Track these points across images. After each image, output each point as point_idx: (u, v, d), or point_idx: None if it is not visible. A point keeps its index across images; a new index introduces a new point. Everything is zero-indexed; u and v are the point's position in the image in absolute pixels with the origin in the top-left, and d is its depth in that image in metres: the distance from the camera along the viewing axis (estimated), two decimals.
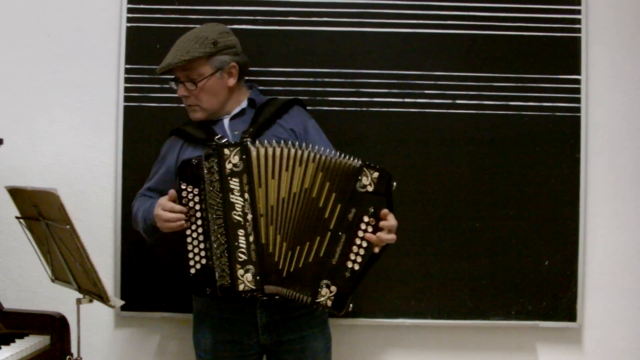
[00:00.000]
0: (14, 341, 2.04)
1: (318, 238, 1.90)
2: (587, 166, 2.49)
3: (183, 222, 1.94)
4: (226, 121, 2.12)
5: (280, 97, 2.24)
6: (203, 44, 2.03)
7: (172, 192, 1.95)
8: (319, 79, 2.46)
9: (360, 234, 1.88)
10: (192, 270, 1.94)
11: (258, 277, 1.88)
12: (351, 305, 1.91)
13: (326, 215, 1.90)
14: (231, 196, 1.89)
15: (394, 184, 1.91)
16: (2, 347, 1.98)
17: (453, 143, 2.47)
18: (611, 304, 2.55)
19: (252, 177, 1.90)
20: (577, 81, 2.48)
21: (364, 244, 1.88)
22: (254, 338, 2.06)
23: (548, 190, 2.48)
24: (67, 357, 2.05)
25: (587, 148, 2.49)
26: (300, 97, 2.30)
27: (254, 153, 1.91)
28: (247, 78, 2.26)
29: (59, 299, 2.39)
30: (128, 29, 2.47)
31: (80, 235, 1.80)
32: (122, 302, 2.22)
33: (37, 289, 2.51)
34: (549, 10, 2.47)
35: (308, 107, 2.34)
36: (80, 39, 2.51)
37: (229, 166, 1.89)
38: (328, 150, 1.97)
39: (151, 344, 2.55)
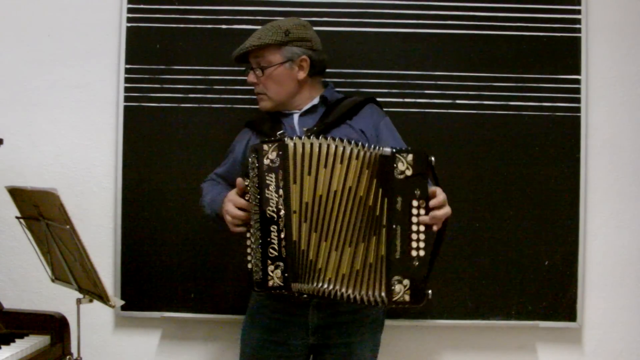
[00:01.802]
0: (14, 341, 2.04)
1: (374, 238, 1.85)
2: (587, 166, 2.49)
3: (244, 225, 1.93)
4: (296, 117, 2.11)
5: (354, 96, 2.19)
6: (276, 32, 2.03)
7: (239, 181, 1.93)
8: None
9: (415, 219, 1.82)
10: (249, 265, 1.92)
11: (286, 274, 1.85)
12: (430, 292, 1.85)
13: (377, 213, 1.85)
14: (267, 192, 1.86)
15: (432, 158, 1.83)
16: (2, 347, 1.98)
17: (453, 143, 2.47)
18: (611, 304, 2.56)
19: (287, 174, 1.87)
20: (577, 81, 2.48)
21: (422, 228, 1.83)
22: (302, 339, 2.04)
23: (548, 190, 2.48)
24: (67, 357, 2.05)
25: (587, 148, 2.49)
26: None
27: (290, 150, 1.87)
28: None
29: (59, 299, 2.39)
30: (128, 29, 2.47)
31: (80, 235, 1.80)
32: (122, 302, 2.23)
33: (37, 289, 2.51)
34: (549, 10, 2.48)
35: None
36: (80, 39, 2.51)
37: (266, 162, 1.87)
38: (368, 145, 1.88)
39: (151, 344, 2.55)
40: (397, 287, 1.83)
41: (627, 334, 2.57)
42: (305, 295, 1.91)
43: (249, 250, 1.92)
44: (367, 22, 2.47)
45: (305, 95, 2.11)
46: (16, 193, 2.01)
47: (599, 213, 2.54)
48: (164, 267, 2.45)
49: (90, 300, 1.97)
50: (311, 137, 1.90)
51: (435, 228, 1.85)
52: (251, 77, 2.09)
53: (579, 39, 2.48)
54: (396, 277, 1.83)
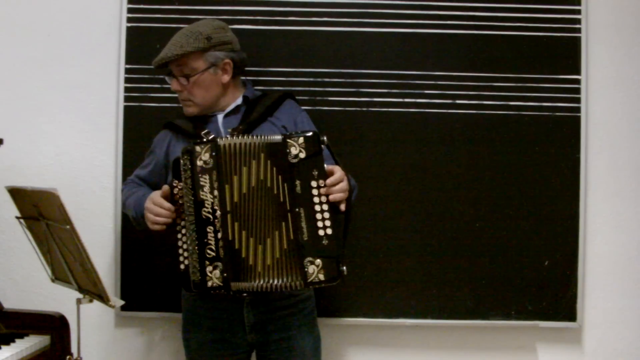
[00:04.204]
0: (14, 341, 2.04)
1: (283, 224, 1.89)
2: (587, 166, 2.49)
3: (169, 221, 1.96)
4: (220, 117, 2.14)
5: (272, 92, 2.23)
6: (197, 39, 2.04)
7: (165, 187, 1.97)
8: (319, 79, 2.46)
9: (316, 200, 1.87)
10: (182, 267, 1.97)
11: (225, 274, 1.89)
12: (344, 268, 1.88)
13: (281, 199, 1.89)
14: (201, 193, 1.90)
15: (324, 138, 1.88)
16: (2, 347, 1.98)
17: (453, 143, 2.47)
18: (611, 304, 2.56)
19: (221, 174, 1.90)
20: (577, 81, 2.48)
21: (325, 207, 1.86)
22: (242, 337, 2.07)
23: (548, 190, 2.48)
24: (67, 357, 2.05)
25: (587, 148, 2.49)
26: (300, 97, 2.31)
27: (222, 150, 1.91)
28: (245, 78, 2.26)
29: (59, 299, 2.39)
30: (128, 29, 2.47)
31: (80, 235, 1.80)
32: (122, 302, 2.22)
33: (37, 289, 2.51)
34: (549, 10, 2.47)
35: (308, 107, 2.34)
36: (80, 39, 2.51)
37: (199, 163, 1.90)
38: (264, 136, 1.93)
39: (151, 344, 2.55)
40: (310, 268, 1.87)
41: (627, 334, 2.57)
42: (245, 294, 1.96)
43: (180, 252, 1.96)
44: (367, 22, 2.47)
45: (229, 96, 2.14)
46: (16, 193, 2.01)
47: (599, 213, 2.54)
48: (164, 267, 2.45)
49: (90, 300, 1.97)
50: (234, 136, 1.94)
51: (342, 207, 1.89)
52: (175, 85, 2.10)
53: (579, 39, 2.48)
54: (308, 259, 1.87)
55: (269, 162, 1.89)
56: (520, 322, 2.48)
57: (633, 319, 2.57)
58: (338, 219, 1.90)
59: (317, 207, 1.86)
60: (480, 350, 2.56)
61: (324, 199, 1.86)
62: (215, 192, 1.90)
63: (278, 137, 1.89)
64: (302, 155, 1.87)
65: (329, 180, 1.87)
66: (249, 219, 1.91)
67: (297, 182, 1.87)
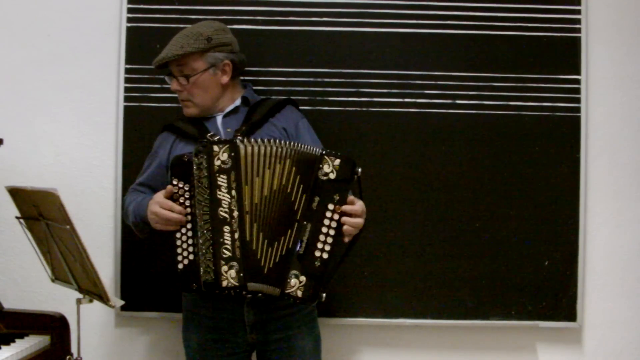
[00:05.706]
0: (14, 341, 2.04)
1: (289, 231, 1.91)
2: (587, 166, 2.49)
3: (183, 222, 1.96)
4: (219, 118, 2.15)
5: (273, 97, 2.25)
6: (197, 39, 2.06)
7: (169, 188, 1.97)
8: (319, 79, 2.46)
9: (327, 222, 1.88)
10: (180, 266, 1.97)
11: (242, 274, 1.90)
12: (324, 295, 1.89)
13: (295, 207, 1.91)
14: (218, 193, 1.90)
15: (359, 169, 1.89)
16: (2, 347, 1.98)
17: (453, 143, 2.47)
18: (611, 304, 2.56)
19: (239, 175, 1.91)
20: (577, 81, 2.48)
21: (332, 232, 1.87)
22: (242, 336, 2.08)
23: (548, 190, 2.48)
24: (67, 357, 2.05)
25: (587, 148, 2.49)
26: (300, 97, 2.33)
27: (242, 151, 1.92)
28: (245, 78, 2.27)
29: (59, 299, 2.39)
30: (128, 29, 2.47)
31: (80, 235, 1.80)
32: (122, 302, 2.22)
33: (37, 289, 2.51)
34: (549, 10, 2.48)
35: (308, 107, 2.35)
36: (80, 39, 2.51)
37: (217, 163, 1.90)
38: (298, 143, 1.96)
39: (151, 344, 2.55)
40: (292, 281, 1.89)
41: (627, 334, 2.57)
42: (260, 294, 1.96)
43: (179, 251, 1.96)
44: (367, 22, 2.47)
45: (228, 97, 2.16)
46: (16, 193, 2.01)
47: (599, 213, 2.54)
48: (163, 267, 2.44)
49: (90, 300, 1.97)
50: (258, 140, 1.94)
51: (345, 240, 1.91)
52: (175, 85, 2.12)
53: (579, 39, 2.48)
54: (294, 271, 1.89)
55: (294, 169, 1.90)
56: (520, 322, 2.48)
57: (633, 319, 2.57)
58: (340, 248, 1.90)
59: (324, 229, 1.87)
60: (480, 350, 2.56)
61: (334, 224, 1.87)
62: (233, 192, 1.90)
63: (318, 150, 1.91)
64: (332, 176, 1.87)
65: (347, 207, 1.88)
66: (266, 221, 1.92)
67: (316, 199, 1.88)
